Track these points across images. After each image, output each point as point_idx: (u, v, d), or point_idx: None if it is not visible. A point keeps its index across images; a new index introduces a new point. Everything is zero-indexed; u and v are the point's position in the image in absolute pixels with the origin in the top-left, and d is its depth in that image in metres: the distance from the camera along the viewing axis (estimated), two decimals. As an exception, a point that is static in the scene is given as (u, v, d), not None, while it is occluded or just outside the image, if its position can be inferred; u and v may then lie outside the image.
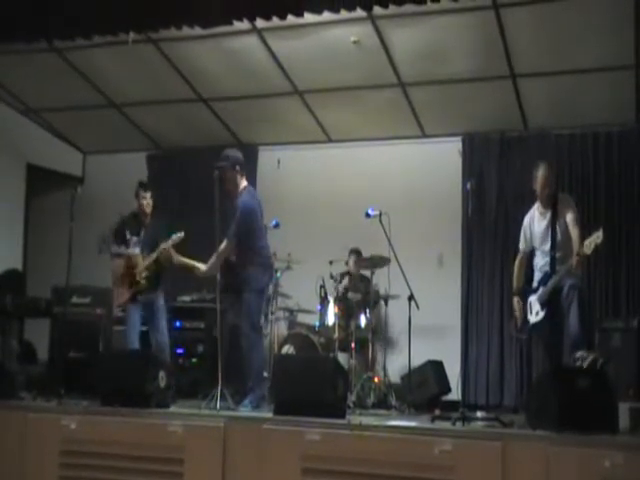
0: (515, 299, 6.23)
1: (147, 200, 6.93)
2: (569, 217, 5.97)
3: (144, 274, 6.71)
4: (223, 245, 6.12)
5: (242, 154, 6.46)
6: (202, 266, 6.26)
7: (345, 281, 7.90)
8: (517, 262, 6.41)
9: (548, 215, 6.10)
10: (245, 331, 6.13)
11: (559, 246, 6.01)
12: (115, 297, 6.90)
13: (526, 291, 6.19)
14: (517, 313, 6.19)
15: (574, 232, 5.90)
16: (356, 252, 7.99)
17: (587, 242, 5.59)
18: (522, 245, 6.36)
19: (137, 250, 6.82)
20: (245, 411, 5.70)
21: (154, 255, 6.69)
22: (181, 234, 6.62)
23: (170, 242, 6.62)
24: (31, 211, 9.49)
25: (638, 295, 7.67)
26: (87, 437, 5.11)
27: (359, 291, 7.63)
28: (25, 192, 9.35)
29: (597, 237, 5.53)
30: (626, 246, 7.76)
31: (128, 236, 6.89)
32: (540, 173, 6.11)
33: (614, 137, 7.98)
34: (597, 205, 7.92)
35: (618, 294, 7.75)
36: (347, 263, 8.05)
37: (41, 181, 9.54)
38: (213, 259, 6.18)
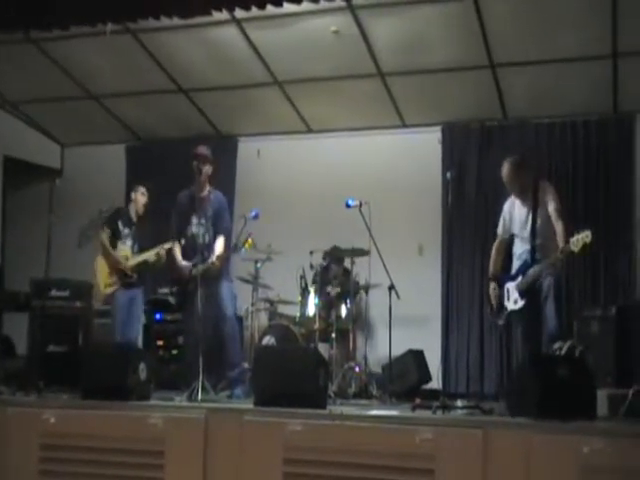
0: (492, 285, 6.25)
1: (140, 193, 7.20)
2: (551, 207, 5.94)
3: (134, 269, 6.96)
4: (222, 240, 6.27)
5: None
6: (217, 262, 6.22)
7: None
8: (494, 247, 6.42)
9: (528, 202, 6.11)
10: (230, 317, 6.30)
11: (539, 234, 6.01)
12: (99, 289, 7.10)
13: (504, 277, 6.22)
14: (492, 298, 6.23)
15: (558, 225, 5.85)
16: (333, 252, 7.86)
17: (574, 239, 5.48)
18: (500, 230, 6.38)
19: (128, 243, 7.07)
20: (238, 402, 5.73)
21: (147, 255, 6.92)
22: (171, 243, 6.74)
23: (165, 247, 6.79)
24: (9, 204, 9.39)
25: (616, 283, 7.75)
26: (67, 431, 5.08)
27: (338, 284, 7.59)
28: (2, 185, 9.24)
29: (586, 236, 5.42)
30: (605, 234, 7.80)
31: (121, 228, 7.12)
32: (504, 172, 6.14)
33: (592, 126, 8.05)
34: (576, 193, 7.98)
35: (597, 282, 7.81)
36: (324, 259, 7.95)
37: (19, 174, 9.44)
38: (220, 254, 6.22)
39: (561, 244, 5.70)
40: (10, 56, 7.97)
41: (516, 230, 6.20)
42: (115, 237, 7.11)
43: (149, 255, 6.97)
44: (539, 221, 6.02)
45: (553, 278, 5.87)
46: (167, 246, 6.72)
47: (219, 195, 6.56)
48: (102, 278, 7.07)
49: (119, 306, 7.03)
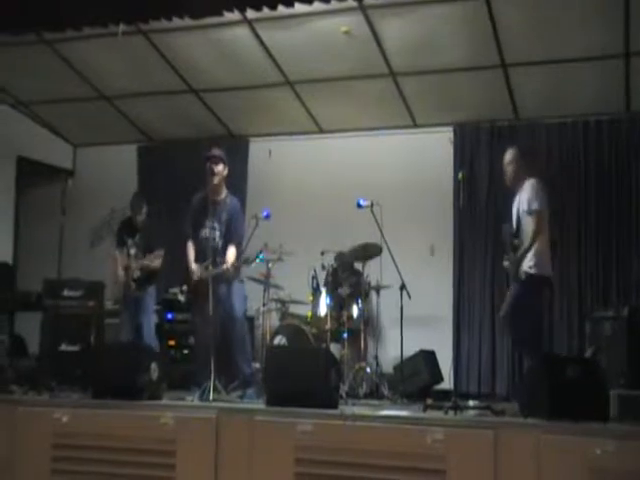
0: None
1: (143, 214, 7.31)
2: (523, 208, 6.00)
3: (135, 276, 7.13)
4: (234, 249, 6.25)
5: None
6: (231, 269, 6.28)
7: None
8: None
9: (516, 197, 6.17)
10: (239, 318, 6.29)
11: (517, 229, 6.09)
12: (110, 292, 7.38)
13: None
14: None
15: (528, 227, 5.93)
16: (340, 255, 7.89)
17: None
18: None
19: (133, 251, 7.23)
20: (249, 402, 5.74)
21: (142, 263, 7.13)
22: (161, 251, 7.06)
23: (153, 257, 7.08)
24: (21, 204, 9.43)
25: (628, 284, 7.71)
26: (79, 430, 5.11)
27: (348, 285, 7.58)
28: (15, 185, 9.29)
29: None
30: (616, 235, 7.78)
31: (126, 238, 7.31)
32: (506, 158, 6.30)
33: (604, 125, 8.00)
34: (587, 193, 7.94)
35: (609, 283, 7.77)
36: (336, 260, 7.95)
37: (31, 174, 9.49)
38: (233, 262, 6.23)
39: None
40: (23, 57, 8.00)
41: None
42: (125, 248, 7.32)
43: (143, 261, 7.15)
44: (514, 221, 6.11)
45: (516, 287, 5.97)
46: (159, 254, 7.03)
47: (235, 200, 6.52)
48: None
49: (127, 305, 7.21)
